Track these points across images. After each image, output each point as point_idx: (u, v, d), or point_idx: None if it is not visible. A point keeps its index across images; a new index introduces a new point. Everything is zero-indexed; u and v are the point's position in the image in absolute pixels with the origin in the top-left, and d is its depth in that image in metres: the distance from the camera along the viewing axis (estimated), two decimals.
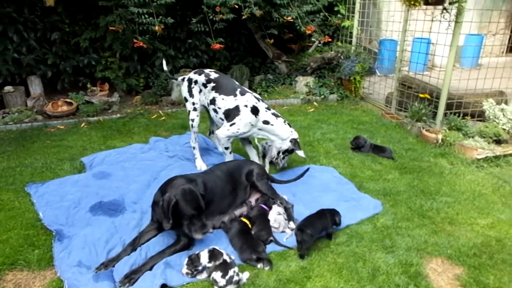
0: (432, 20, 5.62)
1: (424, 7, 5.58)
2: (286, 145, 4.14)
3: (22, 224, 3.34)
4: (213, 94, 4.18)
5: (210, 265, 2.70)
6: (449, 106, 5.51)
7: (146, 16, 5.95)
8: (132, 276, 2.71)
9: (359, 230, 3.32)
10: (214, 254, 2.72)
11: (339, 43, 8.13)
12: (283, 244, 3.08)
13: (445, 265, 2.95)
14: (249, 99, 4.06)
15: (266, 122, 4.08)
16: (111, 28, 6.42)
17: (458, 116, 5.40)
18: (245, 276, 2.67)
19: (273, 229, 3.21)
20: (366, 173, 4.40)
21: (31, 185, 3.96)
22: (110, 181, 4.04)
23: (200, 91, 4.33)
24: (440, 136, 5.12)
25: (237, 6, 6.35)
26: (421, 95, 5.81)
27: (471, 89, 5.62)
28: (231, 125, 4.05)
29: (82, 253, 2.93)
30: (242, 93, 4.11)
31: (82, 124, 5.97)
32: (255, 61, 8.35)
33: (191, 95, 4.36)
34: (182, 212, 2.90)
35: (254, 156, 4.45)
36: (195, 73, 4.39)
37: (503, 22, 9.78)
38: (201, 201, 2.97)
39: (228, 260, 2.69)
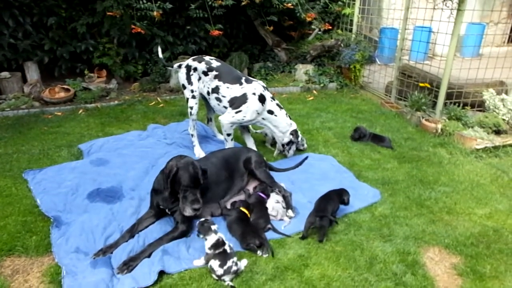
0: (434, 8, 5.56)
1: None
2: (288, 137, 4.22)
3: (20, 211, 3.33)
4: (216, 82, 4.15)
5: (210, 252, 2.69)
6: (449, 96, 5.48)
7: (144, 1, 5.87)
8: (130, 263, 2.71)
9: (357, 218, 3.32)
10: (218, 244, 2.69)
11: (340, 31, 8.04)
12: (281, 232, 3.08)
13: (442, 254, 2.97)
14: (257, 87, 4.07)
15: (270, 112, 4.13)
16: (108, 13, 6.33)
17: (458, 106, 5.38)
18: (243, 263, 2.68)
19: (271, 217, 3.21)
20: (365, 162, 4.39)
21: (28, 172, 3.94)
22: (108, 168, 4.02)
23: (199, 78, 4.28)
24: (439, 126, 5.10)
25: None
26: (421, 85, 5.78)
27: (472, 79, 5.58)
28: (236, 112, 4.04)
29: (80, 239, 2.93)
30: (248, 81, 4.12)
31: (80, 111, 5.93)
32: (254, 48, 8.27)
33: (190, 83, 4.31)
34: (179, 182, 2.93)
35: (251, 144, 4.43)
36: (194, 60, 4.33)
37: (505, 11, 9.68)
38: (200, 177, 3.00)
39: (228, 250, 2.67)
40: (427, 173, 4.15)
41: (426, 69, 6.13)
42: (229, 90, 4.10)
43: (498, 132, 4.90)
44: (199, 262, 2.74)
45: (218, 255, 2.63)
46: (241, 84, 4.09)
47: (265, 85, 4.24)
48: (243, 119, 4.07)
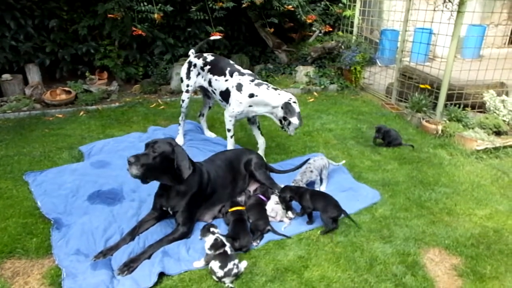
0: (434, 10, 5.57)
1: None
2: (281, 111, 3.78)
3: (20, 213, 3.34)
4: (209, 76, 4.31)
5: (210, 252, 2.69)
6: (449, 97, 5.48)
7: (145, 3, 5.89)
8: (131, 264, 2.71)
9: (357, 220, 3.31)
10: (217, 244, 2.70)
11: (340, 33, 8.05)
12: (281, 233, 3.08)
13: (443, 255, 2.96)
14: (235, 78, 4.06)
15: (251, 96, 3.87)
16: (109, 15, 6.35)
17: (459, 107, 5.38)
18: (243, 265, 2.68)
19: (270, 219, 3.21)
20: (365, 163, 4.39)
21: (29, 174, 3.95)
22: (108, 170, 4.03)
23: (198, 74, 4.47)
24: (440, 127, 5.10)
25: None
26: (422, 86, 5.78)
27: (472, 80, 5.58)
28: (229, 105, 4.15)
29: (80, 241, 2.94)
30: (231, 74, 4.12)
31: (81, 113, 5.95)
32: (255, 50, 8.29)
33: (188, 77, 4.53)
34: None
35: (260, 142, 4.45)
36: (195, 56, 4.55)
37: (505, 12, 9.68)
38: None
39: (229, 252, 2.67)
40: (428, 174, 4.15)
41: (427, 71, 6.14)
42: (217, 83, 4.22)
43: (498, 133, 4.90)
44: (199, 263, 2.74)
45: (218, 256, 2.63)
46: (225, 76, 4.15)
47: (244, 71, 4.14)
48: (233, 112, 4.08)
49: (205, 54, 4.48)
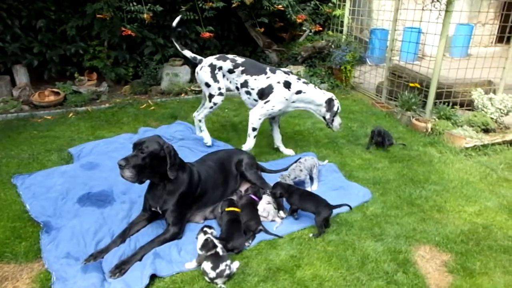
0: (423, 10, 5.63)
1: None
2: (325, 107, 4.26)
3: (9, 216, 3.28)
4: (244, 77, 4.31)
5: (201, 252, 2.68)
6: (438, 96, 5.54)
7: (134, 3, 5.85)
8: (122, 266, 2.69)
9: (349, 218, 3.33)
10: (207, 244, 2.69)
11: (330, 32, 8.09)
12: (273, 233, 3.08)
13: (433, 252, 2.99)
14: (281, 75, 4.24)
15: (298, 92, 4.22)
16: (98, 16, 6.30)
17: (448, 105, 5.44)
18: (235, 265, 2.67)
19: (262, 219, 3.21)
20: (356, 162, 4.42)
21: (17, 177, 3.89)
22: (98, 172, 3.99)
23: (223, 76, 4.42)
24: (429, 125, 5.15)
25: None
26: (411, 85, 5.83)
27: (461, 78, 5.65)
28: (265, 102, 4.19)
29: (70, 244, 2.90)
30: (273, 71, 4.26)
31: (70, 114, 5.88)
32: (245, 50, 8.28)
33: (216, 80, 4.42)
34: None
35: (278, 140, 4.61)
36: (218, 59, 4.45)
37: (492, 12, 9.82)
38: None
39: (221, 253, 2.65)
40: (418, 172, 4.19)
41: (416, 69, 6.20)
42: (256, 82, 4.25)
43: (486, 131, 4.96)
44: (191, 264, 2.72)
45: (210, 257, 2.61)
46: (266, 73, 4.24)
47: (289, 70, 4.41)
48: (272, 109, 4.21)
49: (230, 56, 4.45)
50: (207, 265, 2.58)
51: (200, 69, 4.49)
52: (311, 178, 3.83)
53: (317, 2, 7.62)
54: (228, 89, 4.50)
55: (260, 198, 3.36)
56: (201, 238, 2.74)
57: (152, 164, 2.92)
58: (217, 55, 4.56)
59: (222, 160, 3.60)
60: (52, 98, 6.32)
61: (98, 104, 6.38)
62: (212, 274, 2.55)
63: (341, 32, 7.73)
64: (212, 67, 4.42)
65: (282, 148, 4.65)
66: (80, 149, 4.54)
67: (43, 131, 5.21)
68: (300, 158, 3.90)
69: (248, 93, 4.34)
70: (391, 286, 2.63)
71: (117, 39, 6.92)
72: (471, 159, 4.53)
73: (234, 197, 3.41)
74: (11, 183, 3.81)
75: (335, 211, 3.30)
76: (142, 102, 6.43)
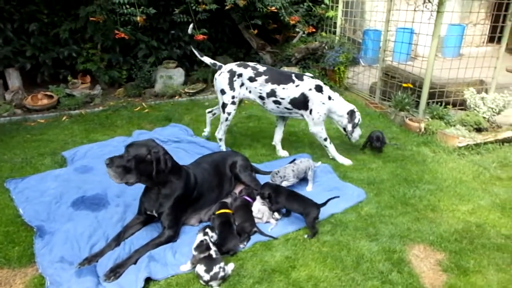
0: (415, 10, 5.66)
1: None
2: (345, 119, 4.28)
3: (2, 221, 3.26)
4: (270, 86, 4.21)
5: (195, 253, 2.69)
6: (431, 95, 5.58)
7: (128, 6, 5.83)
8: (117, 270, 2.68)
9: (344, 219, 3.35)
10: (201, 245, 2.70)
11: (323, 34, 8.11)
12: (268, 234, 3.09)
13: (427, 251, 3.01)
14: (310, 81, 4.23)
15: (329, 98, 4.23)
16: (91, 18, 6.27)
17: (440, 105, 5.47)
18: (230, 267, 2.66)
19: (257, 220, 3.21)
20: None
21: (10, 181, 3.86)
22: (92, 175, 3.97)
23: (242, 84, 4.31)
24: (422, 125, 5.18)
25: None
26: (404, 85, 5.86)
27: (453, 78, 5.69)
28: (311, 113, 4.20)
29: (64, 248, 2.88)
30: (300, 78, 4.22)
31: (64, 118, 5.85)
32: (239, 52, 8.28)
33: (232, 88, 4.30)
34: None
35: (277, 139, 4.59)
36: (239, 66, 4.35)
37: (483, 12, 9.91)
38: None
39: (214, 256, 2.65)
40: (412, 172, 4.21)
41: (409, 70, 6.23)
42: (286, 91, 4.19)
43: (479, 130, 5.00)
44: (186, 267, 2.72)
45: (203, 260, 2.62)
46: (294, 82, 4.19)
47: (312, 75, 4.45)
48: (319, 115, 4.21)
49: (251, 64, 4.36)
50: (200, 268, 2.58)
51: (219, 75, 4.38)
52: (307, 180, 3.84)
53: (310, 4, 7.64)
54: (246, 98, 4.45)
55: (254, 200, 3.36)
56: (199, 237, 2.75)
57: (138, 168, 2.91)
58: (238, 62, 4.49)
59: (217, 162, 3.61)
60: (45, 101, 6.29)
61: (92, 107, 6.35)
62: (206, 277, 2.55)
63: (334, 33, 7.77)
64: (232, 73, 4.31)
65: (279, 147, 4.64)
66: (74, 153, 4.51)
67: (36, 135, 5.18)
68: (295, 160, 3.91)
69: (277, 102, 4.25)
70: (386, 285, 2.64)
71: (110, 42, 6.90)
72: (464, 158, 4.56)
73: (228, 200, 3.41)
74: (4, 187, 3.78)
75: (328, 211, 3.32)
76: (136, 105, 6.42)
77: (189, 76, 7.66)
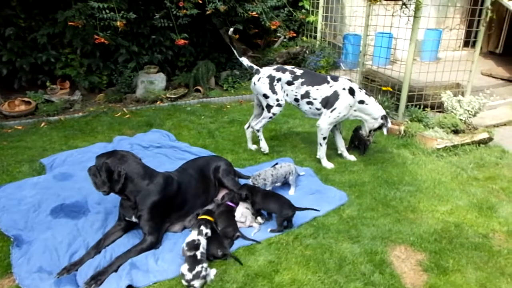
0: (393, 15, 5.79)
1: (385, 2, 5.73)
2: (378, 122, 4.41)
3: None
4: (305, 88, 4.35)
5: (185, 248, 2.74)
6: (410, 99, 5.70)
7: (107, 11, 5.77)
8: (98, 277, 2.63)
9: (326, 222, 3.37)
10: (192, 243, 2.75)
11: (304, 38, 8.21)
12: (251, 238, 3.08)
13: (408, 251, 3.06)
14: (345, 82, 4.31)
15: (361, 102, 4.32)
16: (70, 23, 6.18)
17: (419, 108, 5.60)
18: (212, 272, 2.66)
19: (240, 224, 3.21)
20: None
21: None
22: (72, 182, 3.89)
23: (281, 88, 4.45)
24: (402, 128, 5.28)
25: (201, 1, 6.29)
26: (384, 88, 5.98)
27: (431, 81, 5.83)
28: (332, 111, 4.25)
29: (43, 258, 2.82)
30: (335, 79, 4.34)
31: (42, 124, 5.73)
32: (221, 56, 8.28)
33: (274, 92, 4.45)
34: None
35: (341, 145, 4.65)
36: (277, 70, 4.48)
37: (458, 17, 10.19)
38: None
39: (199, 257, 2.66)
40: (392, 174, 4.28)
41: (388, 73, 6.35)
42: (319, 92, 4.30)
43: (456, 132, 5.13)
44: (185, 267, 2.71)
45: (188, 259, 2.64)
46: (328, 83, 4.30)
47: (350, 78, 4.53)
48: (338, 116, 4.27)
49: (289, 68, 4.49)
50: (184, 267, 2.61)
51: (258, 80, 4.51)
52: (289, 184, 3.86)
53: (291, 9, 7.72)
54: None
55: (237, 205, 3.35)
56: (193, 235, 2.81)
57: (107, 178, 2.93)
58: (275, 66, 4.58)
59: (202, 168, 3.59)
60: (22, 107, 6.15)
61: (72, 113, 6.24)
62: (189, 275, 2.56)
63: (315, 38, 7.87)
64: (271, 78, 4.45)
65: (346, 154, 4.67)
66: (53, 160, 4.42)
67: (13, 142, 5.05)
68: (276, 164, 3.93)
69: (309, 103, 4.36)
70: (369, 287, 2.67)
71: (90, 46, 6.80)
72: (442, 159, 4.67)
73: (211, 206, 3.39)
74: None
75: (311, 214, 3.34)
76: (117, 111, 6.33)
77: (170, 81, 7.61)
